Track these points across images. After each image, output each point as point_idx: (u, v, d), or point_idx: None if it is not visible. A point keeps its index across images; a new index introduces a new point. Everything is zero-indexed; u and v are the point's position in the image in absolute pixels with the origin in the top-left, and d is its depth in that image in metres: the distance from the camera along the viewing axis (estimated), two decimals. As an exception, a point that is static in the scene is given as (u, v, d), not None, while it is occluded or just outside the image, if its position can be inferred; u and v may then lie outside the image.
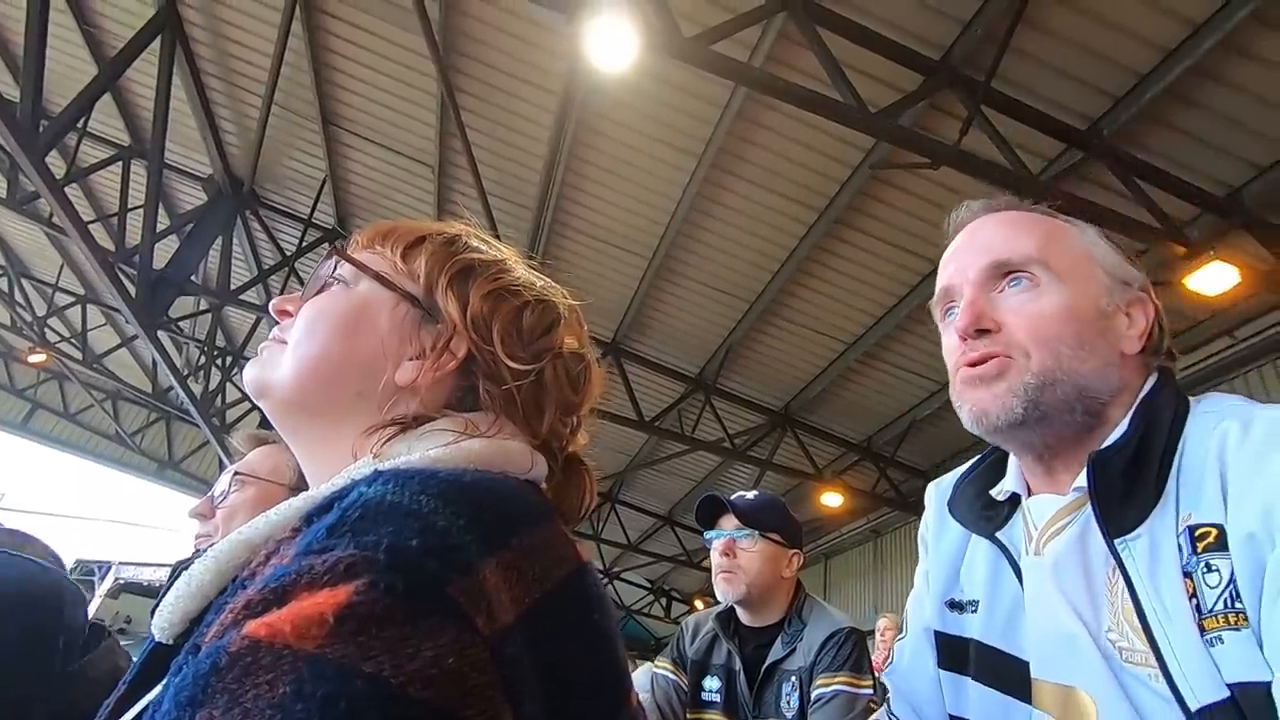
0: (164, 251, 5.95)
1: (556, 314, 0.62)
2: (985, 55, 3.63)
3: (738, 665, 1.63)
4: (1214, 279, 3.94)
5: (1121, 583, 0.62)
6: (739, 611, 1.68)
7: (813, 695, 1.49)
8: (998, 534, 0.75)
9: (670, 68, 3.97)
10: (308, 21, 4.72)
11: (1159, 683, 0.57)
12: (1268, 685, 0.51)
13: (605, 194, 5.33)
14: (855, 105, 3.48)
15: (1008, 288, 0.72)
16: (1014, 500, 0.77)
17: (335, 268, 0.60)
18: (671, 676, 1.70)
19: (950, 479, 0.88)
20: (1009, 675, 0.71)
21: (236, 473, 1.22)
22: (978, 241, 0.77)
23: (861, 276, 5.45)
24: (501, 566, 0.39)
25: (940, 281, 0.79)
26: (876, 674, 1.47)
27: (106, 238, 6.26)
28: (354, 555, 0.34)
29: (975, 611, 0.77)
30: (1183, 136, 3.91)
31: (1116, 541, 0.62)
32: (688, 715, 1.65)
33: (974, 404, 0.70)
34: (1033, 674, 0.68)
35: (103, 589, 13.10)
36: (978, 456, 0.86)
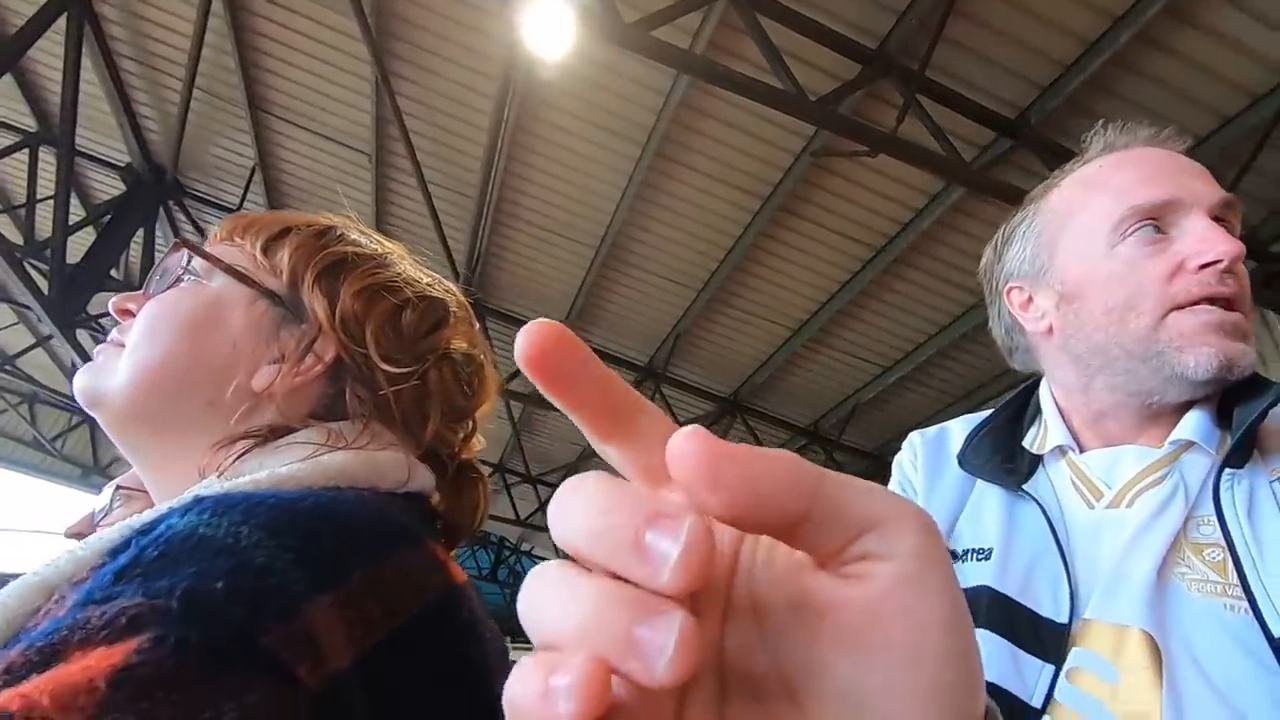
0: (79, 245, 5.60)
1: (443, 313, 0.57)
2: (920, 45, 3.71)
3: None
4: (1133, 262, 4.14)
5: (1200, 525, 0.61)
6: None
7: None
8: (1024, 486, 0.73)
9: (611, 54, 3.92)
10: (229, 1, 4.48)
11: (1239, 612, 0.56)
12: None
13: (549, 182, 5.26)
14: (795, 93, 3.51)
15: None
16: (1037, 458, 0.75)
17: (186, 262, 0.54)
18: None
19: (935, 431, 0.85)
20: (1023, 628, 0.68)
21: (119, 486, 1.12)
22: (1196, 168, 0.70)
23: (806, 263, 5.54)
24: (338, 604, 0.34)
25: (1147, 191, 0.69)
26: None
27: (14, 230, 5.85)
28: (139, 604, 0.29)
29: (986, 559, 0.73)
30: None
31: (1225, 474, 0.61)
32: None
33: (1223, 350, 0.63)
34: (1088, 614, 0.64)
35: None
36: (989, 413, 0.83)
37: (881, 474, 5.96)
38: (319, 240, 0.56)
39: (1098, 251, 0.70)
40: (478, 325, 0.62)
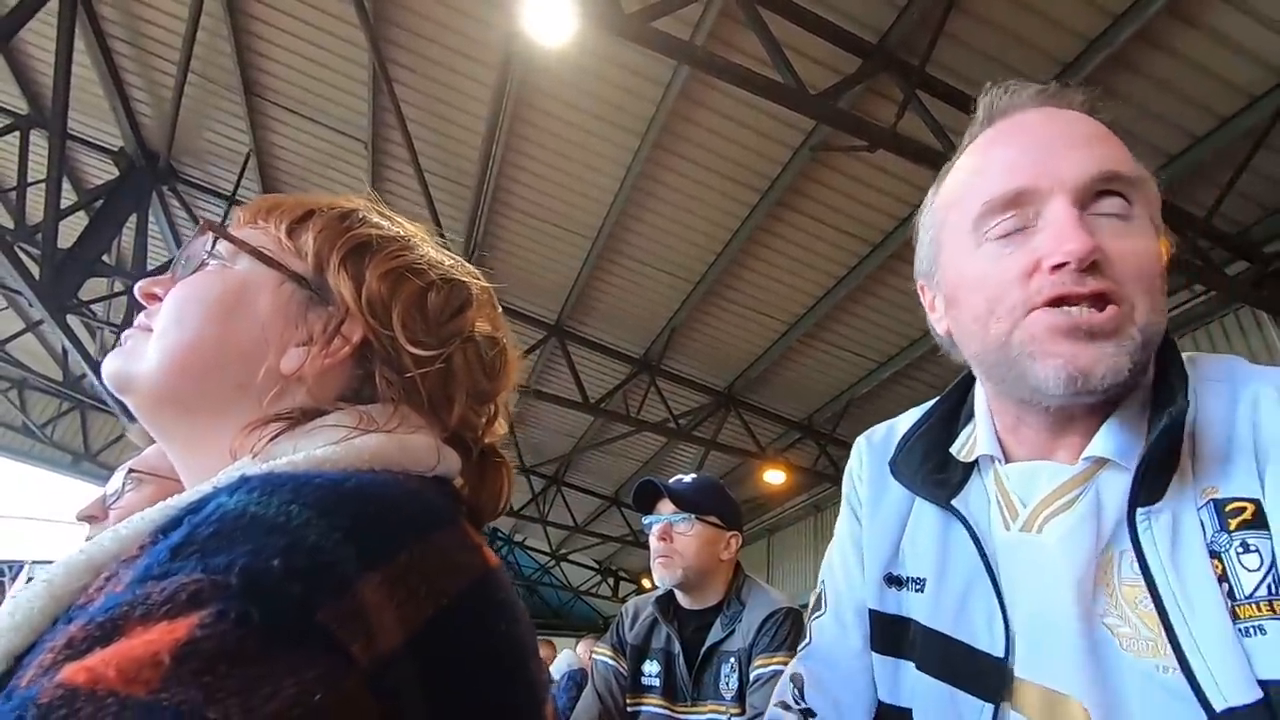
0: (71, 229, 5.54)
1: (466, 295, 0.57)
2: (920, 40, 3.71)
3: (677, 648, 1.61)
4: (1128, 260, 4.15)
5: (1123, 557, 0.53)
6: (678, 595, 1.67)
7: (751, 676, 1.49)
8: (953, 501, 0.64)
9: (611, 44, 3.90)
10: (225, -16, 4.43)
11: (1171, 675, 0.49)
12: None
13: (547, 173, 5.23)
14: (795, 86, 3.50)
15: (1105, 209, 0.57)
16: (972, 463, 0.66)
17: (212, 245, 0.54)
18: (611, 663, 1.69)
19: (884, 432, 0.76)
20: (959, 666, 0.61)
21: (131, 469, 1.11)
22: (1069, 137, 0.59)
23: (802, 258, 5.54)
24: (386, 582, 0.34)
25: (1000, 182, 0.59)
26: None
27: (5, 214, 5.79)
28: (199, 580, 0.30)
29: (921, 591, 0.66)
30: (1102, 124, 4.09)
31: (1139, 513, 0.53)
32: (627, 700, 1.64)
33: (1071, 359, 0.54)
34: (1017, 673, 0.58)
35: (14, 589, 12.31)
36: (925, 409, 0.73)
37: (875, 469, 5.90)
38: (343, 223, 0.55)
39: (965, 251, 0.61)
40: (499, 308, 0.62)
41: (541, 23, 3.33)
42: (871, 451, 0.76)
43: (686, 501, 1.63)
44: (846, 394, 7.21)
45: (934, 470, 0.67)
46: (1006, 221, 0.58)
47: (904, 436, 0.72)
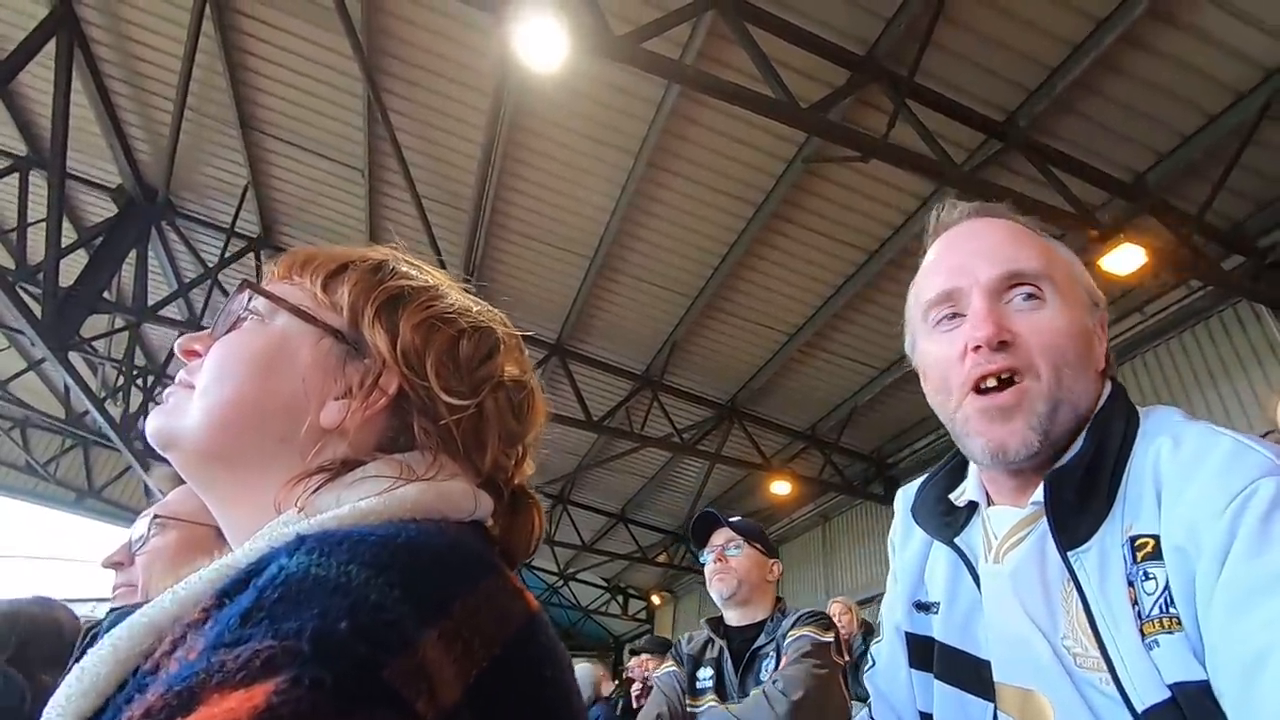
0: (72, 268, 5.58)
1: (495, 340, 0.58)
2: (908, 50, 3.75)
3: (726, 657, 1.87)
4: (1124, 260, 4.17)
5: (1075, 592, 0.64)
6: (727, 614, 1.95)
7: (784, 646, 1.75)
8: (956, 539, 0.76)
9: (602, 66, 3.95)
10: (219, 21, 4.49)
11: (1109, 686, 0.59)
12: (1203, 684, 0.54)
13: (543, 194, 5.27)
14: (786, 100, 3.54)
15: (1017, 300, 0.71)
16: (973, 506, 0.78)
17: (248, 302, 0.55)
18: (674, 670, 1.96)
19: (917, 484, 0.88)
20: (966, 673, 0.73)
21: (156, 515, 1.11)
22: (984, 246, 0.74)
23: (799, 268, 5.56)
24: (444, 638, 0.35)
25: (935, 284, 0.75)
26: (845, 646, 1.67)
27: (5, 254, 5.83)
28: (273, 647, 0.30)
29: (937, 613, 0.78)
30: (1091, 126, 4.13)
31: (1070, 553, 0.64)
32: (688, 700, 1.89)
33: (991, 439, 0.68)
34: (995, 677, 0.69)
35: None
36: (940, 463, 0.86)
37: (881, 475, 6.00)
38: (376, 275, 0.56)
39: (924, 337, 0.77)
40: (526, 351, 0.63)
41: (533, 48, 3.37)
42: (904, 501, 0.89)
43: (738, 528, 1.99)
44: (849, 402, 7.21)
45: (944, 514, 0.81)
46: (944, 314, 0.74)
47: (920, 485, 0.86)
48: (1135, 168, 4.35)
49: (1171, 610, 0.57)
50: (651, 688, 4.56)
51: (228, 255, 6.32)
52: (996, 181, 4.20)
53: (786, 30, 3.77)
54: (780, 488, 8.10)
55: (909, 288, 0.82)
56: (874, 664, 0.89)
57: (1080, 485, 0.66)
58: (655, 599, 13.83)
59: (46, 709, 0.38)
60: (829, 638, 1.75)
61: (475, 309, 0.59)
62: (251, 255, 6.50)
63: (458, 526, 0.47)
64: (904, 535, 0.87)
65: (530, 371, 0.61)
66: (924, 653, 0.80)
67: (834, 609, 4.07)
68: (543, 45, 3.32)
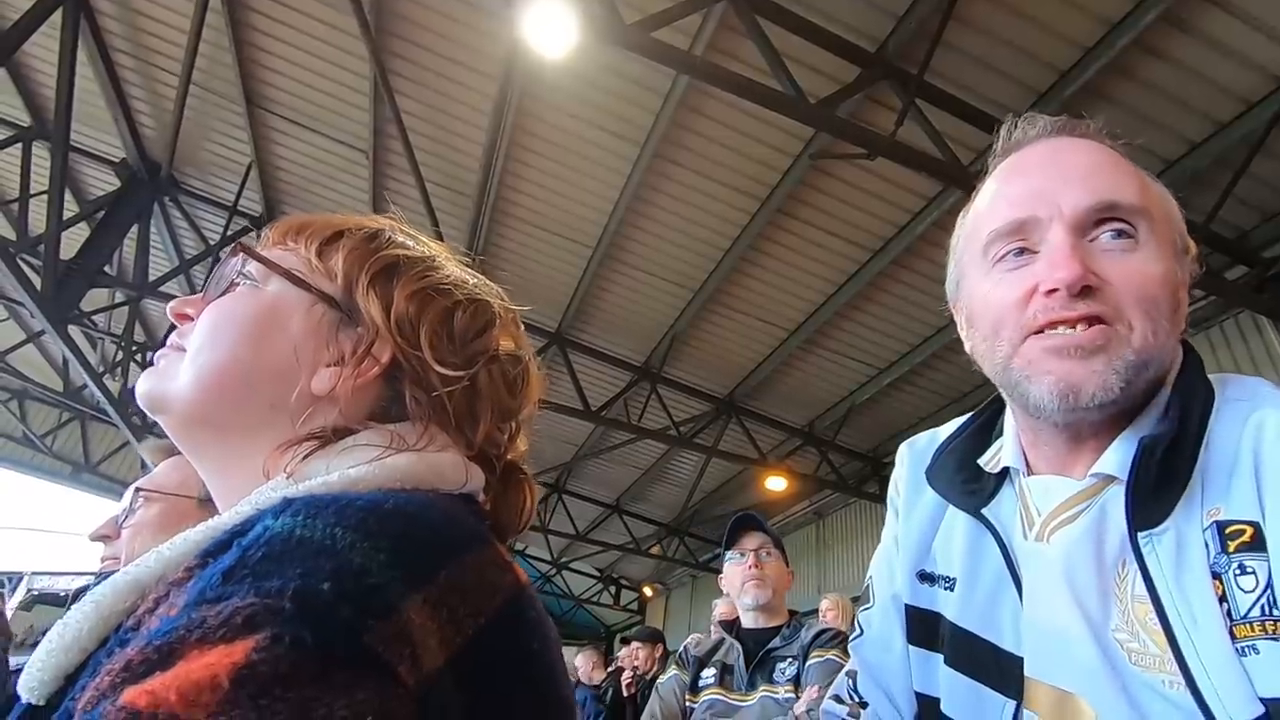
0: (73, 241, 5.56)
1: (491, 314, 0.57)
2: (918, 49, 3.73)
3: (736, 654, 1.93)
4: (1128, 266, 4.15)
5: (1136, 579, 0.55)
6: (749, 617, 1.99)
7: (808, 664, 1.80)
8: (983, 510, 0.68)
9: (611, 54, 3.93)
10: (227, -3, 4.46)
11: (1177, 690, 0.51)
12: None
13: (547, 182, 5.26)
14: (795, 96, 3.52)
15: (1104, 238, 0.59)
16: (1004, 474, 0.69)
17: (242, 266, 0.54)
18: (677, 674, 2.01)
19: (926, 441, 0.79)
20: (985, 662, 0.65)
21: (139, 489, 1.12)
22: (1070, 168, 0.62)
23: (802, 265, 5.55)
24: (429, 604, 0.35)
25: (1006, 212, 0.63)
26: None
27: (7, 225, 5.81)
28: (254, 604, 0.30)
29: (951, 589, 0.70)
30: (1100, 131, 4.11)
31: (1140, 535, 0.55)
32: (686, 698, 1.93)
33: (1064, 377, 0.57)
34: (1027, 672, 0.62)
35: (14, 601, 12.27)
36: (961, 422, 0.77)
37: (876, 475, 6.00)
38: (371, 243, 0.56)
39: (978, 276, 0.66)
40: (522, 326, 0.62)
41: (543, 34, 3.35)
42: (912, 458, 0.79)
43: (771, 534, 2.06)
44: (847, 400, 7.21)
45: (967, 480, 0.71)
46: (1010, 249, 0.62)
47: (939, 447, 0.76)
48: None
49: (1276, 612, 0.49)
50: (641, 676, 4.60)
51: (230, 233, 6.30)
52: (1003, 184, 4.18)
53: (797, 25, 3.75)
54: (775, 484, 8.12)
55: (960, 216, 0.72)
56: (861, 632, 0.81)
57: (1165, 458, 0.56)
58: (647, 591, 13.89)
59: (28, 664, 0.38)
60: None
61: (472, 281, 0.58)
62: (254, 235, 6.49)
63: (448, 498, 0.46)
64: (910, 496, 0.77)
65: (527, 347, 0.61)
66: (928, 629, 0.72)
67: (824, 605, 4.09)
68: (552, 31, 3.31)
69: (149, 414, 0.52)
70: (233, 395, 0.50)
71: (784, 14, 3.71)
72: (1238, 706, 0.48)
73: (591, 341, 7.06)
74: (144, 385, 0.53)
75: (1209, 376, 0.62)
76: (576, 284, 6.19)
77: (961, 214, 0.73)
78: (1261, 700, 0.48)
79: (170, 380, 0.52)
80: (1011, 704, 0.62)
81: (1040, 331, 0.58)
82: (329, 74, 4.88)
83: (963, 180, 3.83)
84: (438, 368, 0.52)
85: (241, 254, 0.55)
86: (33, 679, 0.38)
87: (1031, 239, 0.61)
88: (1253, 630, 0.49)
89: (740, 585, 1.97)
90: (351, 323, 0.53)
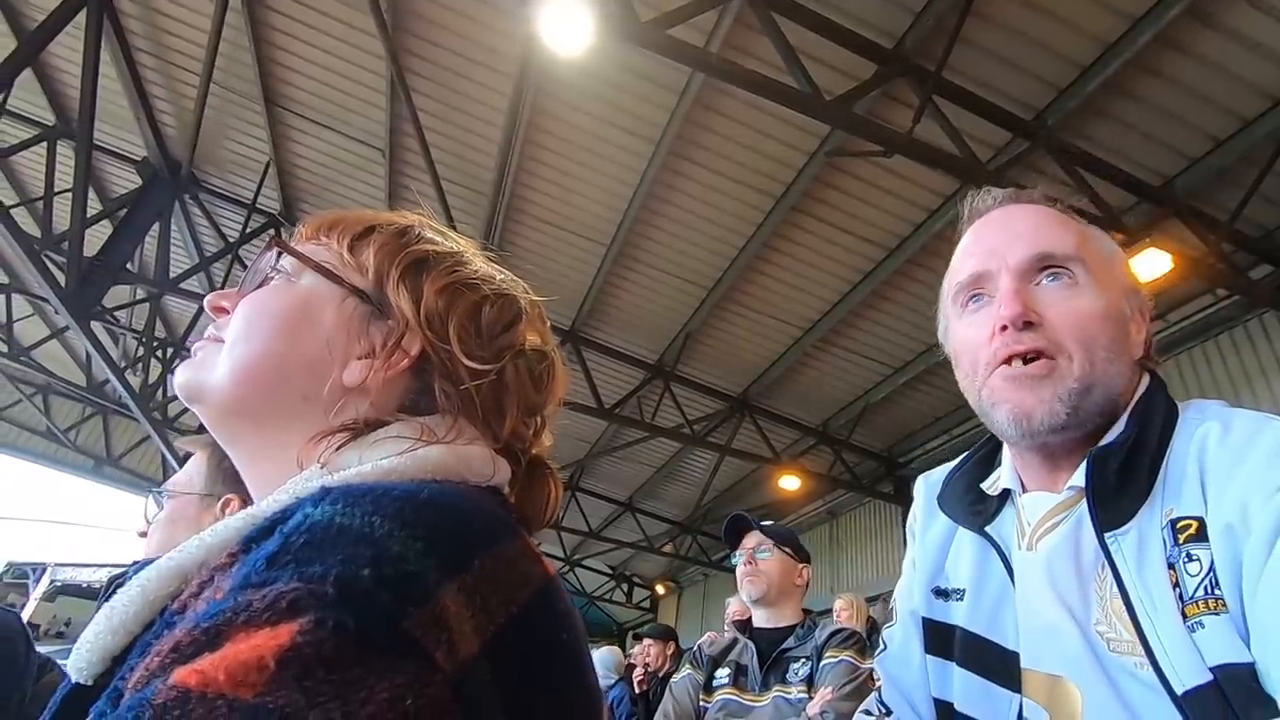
0: (96, 238, 5.65)
1: (518, 309, 0.59)
2: (936, 45, 3.70)
3: (750, 654, 1.92)
4: (1149, 265, 4.10)
5: (1110, 576, 0.63)
6: (756, 614, 2.01)
7: (822, 665, 1.80)
8: (987, 528, 0.76)
9: (626, 52, 3.93)
10: (247, -4, 4.51)
11: (1145, 670, 0.59)
12: (1249, 666, 0.53)
13: (562, 179, 5.27)
14: (811, 93, 3.50)
15: (1045, 282, 0.71)
16: (1005, 495, 0.78)
17: (276, 260, 0.56)
18: (691, 674, 2.02)
19: (940, 473, 0.88)
20: (992, 662, 0.72)
21: (152, 490, 1.18)
22: (1014, 229, 0.75)
23: (817, 263, 5.53)
24: (463, 592, 0.35)
25: (967, 267, 0.76)
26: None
27: (32, 223, 5.91)
28: (298, 589, 0.31)
29: (961, 600, 0.78)
30: (1121, 127, 4.05)
31: (1106, 536, 0.64)
32: (701, 697, 1.94)
33: (1017, 405, 0.68)
34: (1023, 664, 0.69)
35: (38, 592, 12.51)
36: (967, 452, 0.87)
37: (891, 474, 5.95)
38: (401, 239, 0.57)
39: (955, 320, 0.78)
40: (548, 321, 0.63)
41: (558, 32, 3.36)
42: (927, 489, 0.89)
43: (768, 532, 2.03)
44: (862, 400, 7.17)
45: (973, 503, 0.80)
46: (972, 296, 0.76)
47: (948, 475, 0.86)
48: (1164, 171, 4.26)
49: (1217, 591, 0.56)
50: (653, 673, 4.60)
51: (248, 230, 6.38)
52: (1022, 181, 4.13)
53: (814, 21, 3.72)
54: (789, 483, 8.09)
55: (943, 277, 0.83)
56: (885, 648, 0.89)
57: (1122, 467, 0.65)
58: (659, 588, 13.90)
59: (76, 646, 0.39)
60: (869, 665, 1.76)
61: (499, 277, 0.60)
62: (270, 233, 6.57)
63: (478, 490, 0.47)
64: (925, 521, 0.87)
65: (551, 342, 0.62)
66: (943, 639, 0.79)
67: (838, 605, 4.08)
68: (568, 29, 3.31)
69: (186, 403, 0.54)
70: (267, 386, 0.52)
71: (800, 10, 3.69)
72: (1189, 675, 0.56)
73: (605, 339, 7.07)
74: (182, 375, 0.54)
75: (1178, 402, 0.71)
76: (591, 282, 6.20)
77: (947, 272, 0.84)
78: (1210, 669, 0.55)
79: (208, 371, 0.53)
80: (1017, 698, 0.69)
81: (999, 366, 0.70)
82: (346, 73, 4.92)
83: (980, 178, 3.79)
84: (466, 361, 0.53)
85: (276, 248, 0.56)
86: (81, 660, 0.39)
87: (988, 288, 0.74)
88: (1199, 608, 0.57)
89: (740, 583, 2.02)
90: (382, 316, 0.54)
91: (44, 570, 12.80)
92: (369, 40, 4.51)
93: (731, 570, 2.08)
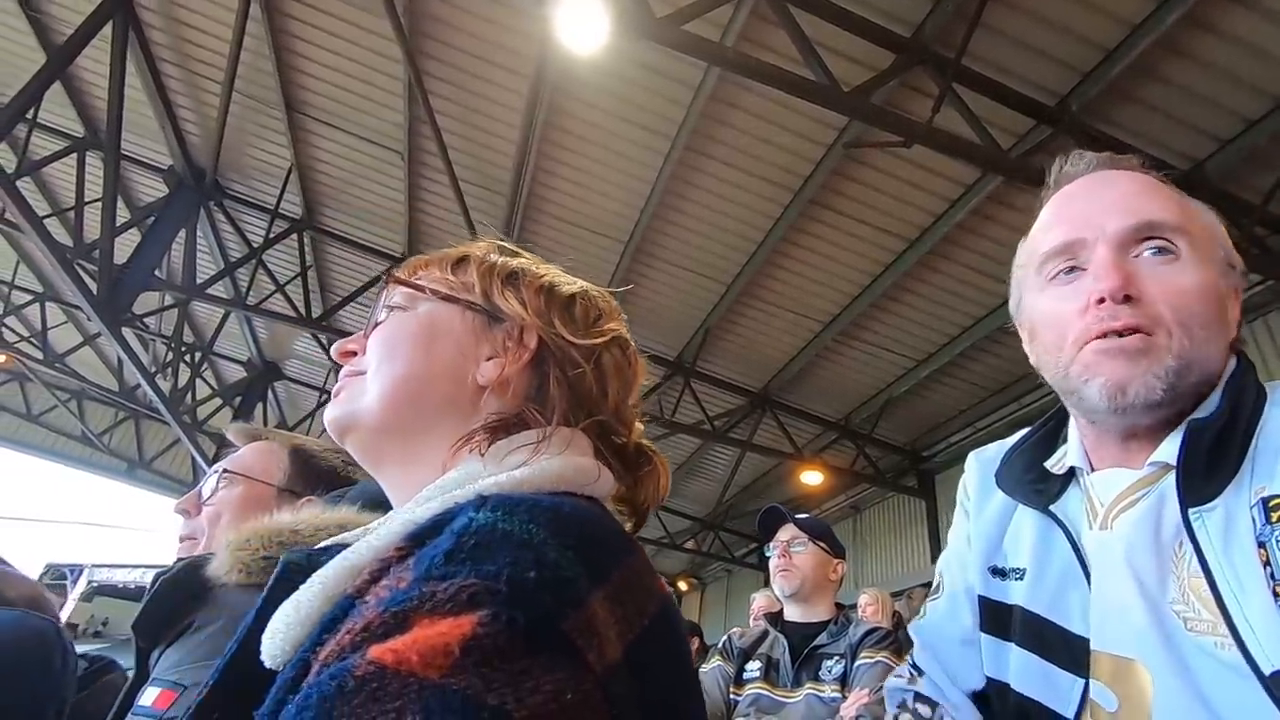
0: (125, 246, 5.78)
1: (601, 304, 0.67)
2: (956, 32, 3.64)
3: (781, 650, 1.90)
4: (1179, 251, 4.01)
5: (1190, 553, 0.61)
6: (789, 608, 2.00)
7: (856, 665, 1.76)
8: (1051, 507, 0.74)
9: (642, 48, 3.92)
10: (266, 5, 4.58)
11: (1228, 650, 0.57)
12: None
13: (579, 178, 5.28)
14: (828, 84, 3.47)
15: (1147, 254, 0.67)
16: (1070, 474, 0.75)
17: (388, 299, 0.63)
18: (721, 664, 2.00)
19: (994, 449, 0.87)
20: (1054, 644, 0.71)
21: (225, 470, 1.17)
22: (1114, 196, 0.71)
23: (837, 256, 5.48)
24: (607, 599, 0.39)
25: (1056, 235, 0.72)
26: None
27: (64, 232, 6.06)
28: (475, 584, 0.34)
29: (1021, 579, 0.76)
30: (1148, 111, 3.96)
31: (1191, 511, 0.61)
32: (731, 690, 1.92)
33: (1112, 377, 0.65)
34: (1092, 645, 0.67)
35: (76, 593, 12.84)
36: (1028, 429, 0.84)
37: (915, 468, 5.90)
38: (490, 259, 0.66)
39: (1036, 294, 0.74)
40: (624, 316, 0.70)
41: (574, 30, 3.36)
42: (980, 465, 0.87)
43: (803, 525, 2.03)
44: (884, 393, 7.10)
45: (1035, 481, 0.78)
46: (1062, 267, 0.71)
47: (1007, 452, 0.84)
48: (1194, 155, 4.16)
49: None
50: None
51: (272, 235, 6.48)
52: (1046, 167, 4.06)
53: (830, 11, 3.69)
54: (811, 478, 8.05)
55: (1021, 243, 0.80)
56: (925, 618, 0.87)
57: (1214, 442, 0.63)
58: (682, 585, 13.90)
59: (268, 634, 0.43)
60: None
61: (576, 281, 0.68)
62: (295, 237, 6.66)
63: (598, 504, 0.52)
64: (980, 499, 0.85)
65: (626, 331, 0.69)
66: (1000, 618, 0.78)
67: (863, 600, 4.05)
68: (584, 27, 3.32)
69: (338, 438, 0.60)
70: (416, 398, 0.58)
71: (816, 1, 3.66)
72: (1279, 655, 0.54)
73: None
74: (333, 411, 0.60)
75: (1264, 383, 0.69)
76: (609, 279, 6.20)
77: (1020, 241, 0.81)
78: None
79: (357, 400, 0.59)
80: (1081, 681, 0.67)
81: (1093, 340, 0.67)
82: (364, 76, 4.98)
83: (1003, 166, 3.73)
84: (576, 341, 0.60)
85: (392, 284, 0.64)
86: (276, 648, 0.43)
87: (1080, 258, 0.70)
88: None
89: (773, 577, 2.01)
90: (498, 321, 0.61)
91: (81, 571, 13.14)
92: (386, 44, 4.55)
93: (754, 566, 2.07)
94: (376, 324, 0.63)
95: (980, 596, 0.81)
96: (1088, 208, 0.71)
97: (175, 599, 0.92)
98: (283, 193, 6.11)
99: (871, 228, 5.15)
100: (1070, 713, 0.67)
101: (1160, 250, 0.67)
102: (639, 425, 0.67)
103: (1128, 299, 0.65)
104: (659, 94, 4.49)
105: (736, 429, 7.64)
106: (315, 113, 5.41)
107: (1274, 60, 3.61)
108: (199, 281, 6.50)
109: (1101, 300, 0.65)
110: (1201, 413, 0.65)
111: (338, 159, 5.86)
